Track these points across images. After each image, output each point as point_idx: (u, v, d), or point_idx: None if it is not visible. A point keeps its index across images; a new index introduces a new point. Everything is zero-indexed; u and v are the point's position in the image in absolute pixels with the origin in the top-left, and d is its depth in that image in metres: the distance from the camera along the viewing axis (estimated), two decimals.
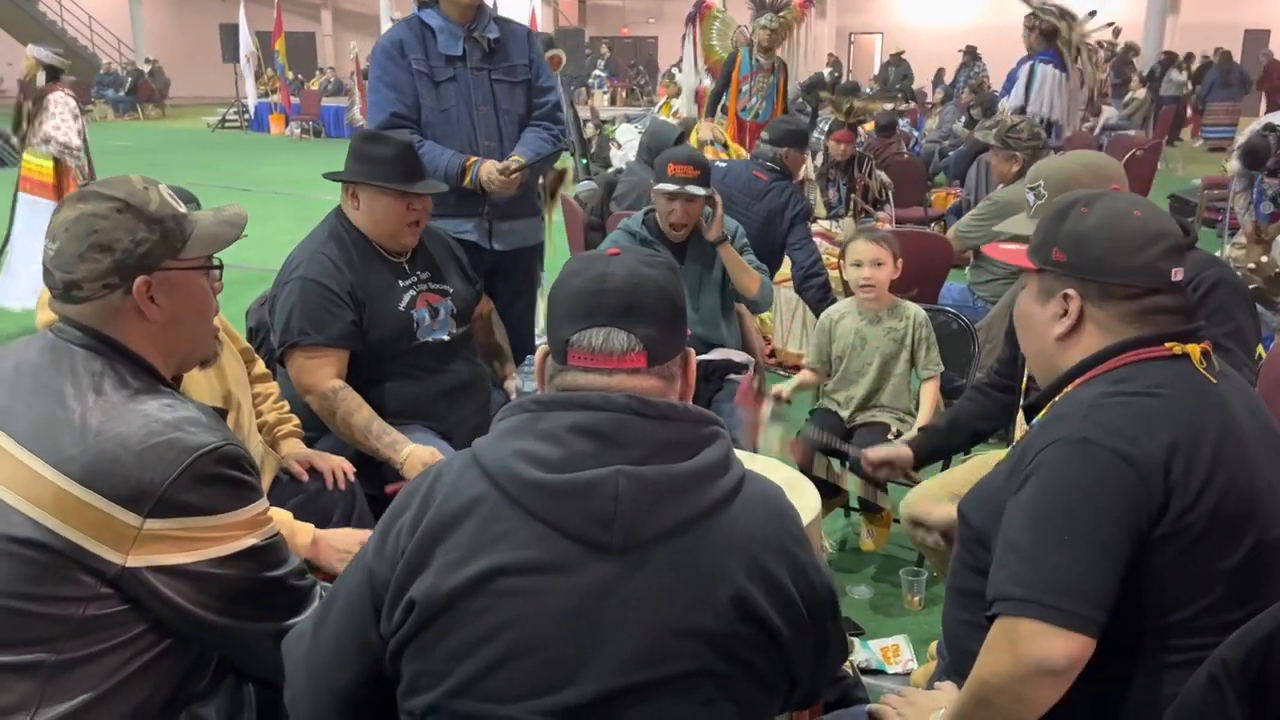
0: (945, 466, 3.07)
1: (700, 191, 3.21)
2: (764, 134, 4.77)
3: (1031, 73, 6.29)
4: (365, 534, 1.47)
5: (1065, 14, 6.36)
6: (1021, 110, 6.16)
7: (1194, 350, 1.50)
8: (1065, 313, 1.55)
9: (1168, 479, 1.38)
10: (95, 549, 1.37)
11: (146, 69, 24.64)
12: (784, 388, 3.27)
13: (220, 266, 1.65)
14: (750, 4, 6.95)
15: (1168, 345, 1.50)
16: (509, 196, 3.33)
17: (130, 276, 1.49)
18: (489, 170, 3.25)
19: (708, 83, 8.23)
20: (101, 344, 1.49)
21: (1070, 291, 1.55)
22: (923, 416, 3.23)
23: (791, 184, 4.88)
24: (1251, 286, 4.71)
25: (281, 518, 2.02)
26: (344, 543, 2.07)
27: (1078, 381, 1.53)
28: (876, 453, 2.78)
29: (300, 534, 2.04)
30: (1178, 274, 1.52)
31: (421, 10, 3.39)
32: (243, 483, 1.48)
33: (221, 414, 1.65)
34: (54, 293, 1.51)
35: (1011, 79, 6.46)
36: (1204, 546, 1.39)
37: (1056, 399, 1.55)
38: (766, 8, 6.83)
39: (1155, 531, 1.39)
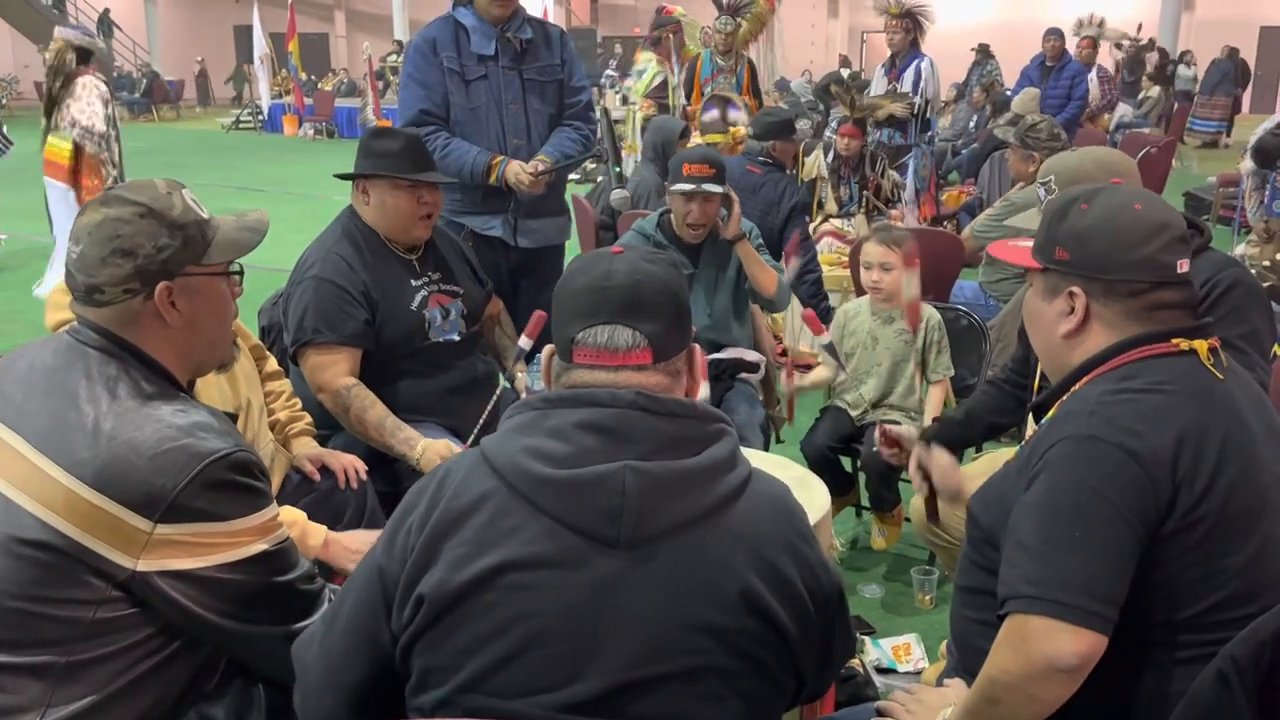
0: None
1: (717, 189, 3.20)
2: (749, 130, 4.74)
3: (932, 69, 6.97)
4: (376, 535, 1.47)
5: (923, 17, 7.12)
6: (928, 103, 6.95)
7: (1201, 346, 1.49)
8: (1071, 310, 1.55)
9: (1175, 474, 1.38)
10: (105, 552, 1.38)
11: (195, 69, 25.03)
12: (802, 382, 3.26)
13: (241, 272, 1.65)
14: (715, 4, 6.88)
15: (1174, 341, 1.49)
16: (535, 195, 3.35)
17: (152, 282, 1.50)
18: (515, 170, 3.27)
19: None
20: (117, 347, 1.50)
21: (1075, 289, 1.54)
22: (929, 420, 3.22)
23: (786, 176, 4.85)
24: (1266, 284, 4.69)
25: (294, 518, 2.03)
26: (356, 544, 2.07)
27: (1085, 379, 1.52)
28: (895, 429, 2.64)
29: (312, 535, 2.04)
30: (1183, 266, 1.51)
31: (456, 9, 3.42)
32: (253, 489, 1.49)
33: (232, 418, 1.66)
34: (75, 295, 1.52)
35: (917, 77, 7.03)
36: (1213, 542, 1.39)
37: (1064, 398, 1.55)
38: (725, 10, 6.79)
39: (1164, 527, 1.38)
